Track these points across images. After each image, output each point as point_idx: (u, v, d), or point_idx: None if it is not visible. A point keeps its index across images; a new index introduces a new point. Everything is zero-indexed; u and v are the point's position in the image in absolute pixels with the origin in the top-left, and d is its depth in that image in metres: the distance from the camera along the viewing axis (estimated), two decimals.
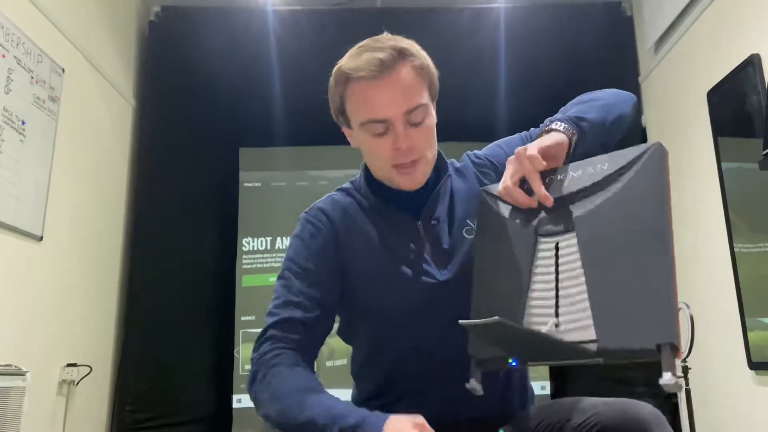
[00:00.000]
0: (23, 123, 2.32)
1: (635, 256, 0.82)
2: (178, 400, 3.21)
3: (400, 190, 1.10)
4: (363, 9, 3.54)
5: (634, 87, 3.37)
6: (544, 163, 0.94)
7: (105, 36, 3.11)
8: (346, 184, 1.19)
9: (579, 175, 0.92)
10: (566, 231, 0.90)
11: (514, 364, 0.90)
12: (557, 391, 3.58)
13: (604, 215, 0.87)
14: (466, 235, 1.10)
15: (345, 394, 3.75)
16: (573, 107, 1.10)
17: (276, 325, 1.07)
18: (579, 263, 0.87)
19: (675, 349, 0.74)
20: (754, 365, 2.36)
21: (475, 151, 1.23)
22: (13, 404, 2.02)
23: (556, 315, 0.87)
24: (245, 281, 3.57)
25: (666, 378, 0.73)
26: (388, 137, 1.03)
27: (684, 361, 2.37)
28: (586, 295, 0.84)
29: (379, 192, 1.13)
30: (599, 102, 1.12)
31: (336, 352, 3.45)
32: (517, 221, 0.97)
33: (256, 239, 3.64)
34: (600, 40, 3.45)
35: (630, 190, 0.86)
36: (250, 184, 3.73)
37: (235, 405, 3.36)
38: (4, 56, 2.21)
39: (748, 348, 2.39)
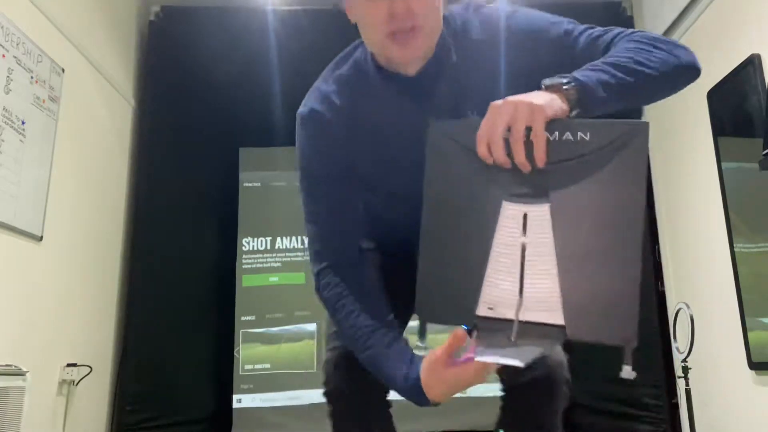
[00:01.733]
0: (23, 123, 2.32)
1: (609, 250, 0.78)
2: (178, 400, 3.21)
3: (400, 75, 1.03)
4: None
5: None
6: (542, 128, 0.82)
7: (105, 36, 3.11)
8: (357, 54, 1.11)
9: (556, 139, 0.82)
10: (537, 201, 0.82)
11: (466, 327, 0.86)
12: None
13: (582, 198, 0.81)
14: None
15: None
16: (610, 68, 0.91)
17: (323, 273, 1.08)
18: (550, 240, 0.80)
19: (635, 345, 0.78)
20: (754, 365, 2.36)
21: (515, 13, 1.07)
22: (13, 404, 2.02)
23: (521, 292, 0.81)
24: (245, 281, 3.57)
25: (626, 372, 0.78)
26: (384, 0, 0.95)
27: (684, 361, 2.37)
28: (556, 276, 0.79)
29: (379, 74, 1.06)
30: (644, 74, 0.93)
31: None
32: (481, 177, 0.85)
33: (256, 239, 3.64)
34: None
35: (612, 178, 0.80)
36: (250, 184, 3.73)
37: (235, 405, 3.35)
38: (4, 56, 2.21)
39: (748, 348, 2.39)
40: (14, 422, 2.01)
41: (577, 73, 0.89)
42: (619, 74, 0.90)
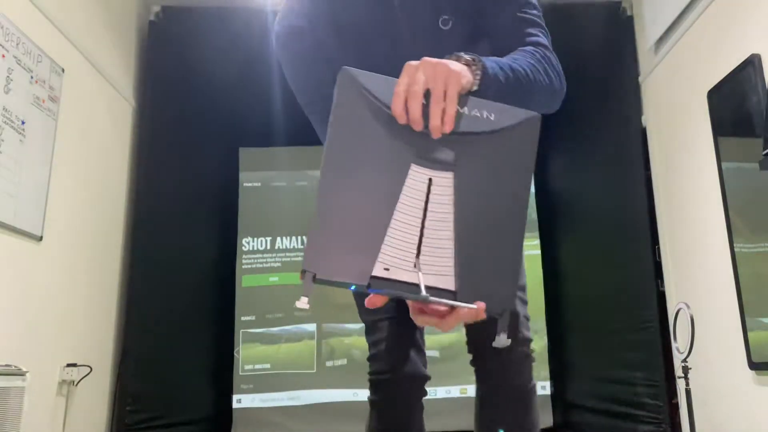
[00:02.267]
0: (23, 123, 2.32)
1: (499, 222, 0.84)
2: (178, 400, 3.21)
3: None
4: None
5: (634, 87, 3.36)
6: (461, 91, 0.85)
7: (105, 36, 3.11)
8: None
9: (466, 113, 0.85)
10: (442, 167, 0.84)
11: (352, 288, 0.84)
12: (557, 392, 3.58)
13: (483, 172, 0.85)
14: (442, 26, 1.11)
15: (345, 394, 3.74)
16: (509, 71, 1.00)
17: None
18: (450, 208, 0.83)
19: (511, 315, 0.84)
20: (754, 365, 2.36)
21: None
22: (13, 404, 2.02)
23: (418, 255, 0.82)
24: (245, 281, 3.57)
25: (501, 340, 0.83)
26: None
27: (684, 361, 2.37)
28: (451, 244, 0.83)
29: None
30: (529, 88, 1.04)
31: (336, 352, 3.45)
32: (389, 134, 0.84)
33: (256, 239, 3.64)
34: (600, 40, 3.45)
35: (509, 159, 0.86)
36: (250, 184, 3.73)
37: (234, 405, 3.36)
38: (3, 56, 2.21)
39: (749, 348, 2.39)
40: (14, 422, 2.01)
41: (485, 60, 0.95)
42: (513, 79, 1.00)
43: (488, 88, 0.93)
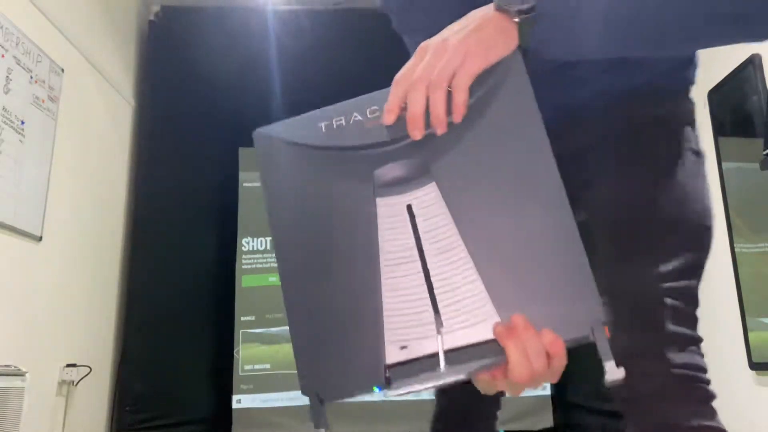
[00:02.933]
0: (22, 123, 2.31)
1: (528, 212, 0.59)
2: (178, 400, 3.21)
3: None
4: (363, 9, 3.53)
5: None
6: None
7: (105, 35, 3.10)
8: None
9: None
10: (418, 182, 0.62)
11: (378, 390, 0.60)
12: (558, 392, 3.58)
13: (473, 160, 0.62)
14: None
15: None
16: None
17: None
18: (450, 229, 0.60)
19: (604, 327, 0.58)
20: (754, 365, 2.36)
21: None
22: (13, 405, 2.02)
23: (436, 310, 0.59)
24: (245, 281, 3.57)
25: (612, 371, 0.58)
26: None
27: None
28: (473, 274, 0.59)
29: None
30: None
31: None
32: (335, 175, 0.63)
33: (255, 239, 3.64)
34: None
35: (500, 123, 0.62)
36: (250, 184, 3.72)
37: (234, 405, 3.35)
38: (3, 56, 2.21)
39: (749, 348, 2.39)
40: (14, 423, 2.00)
41: None
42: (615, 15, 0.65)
43: (558, 42, 0.65)
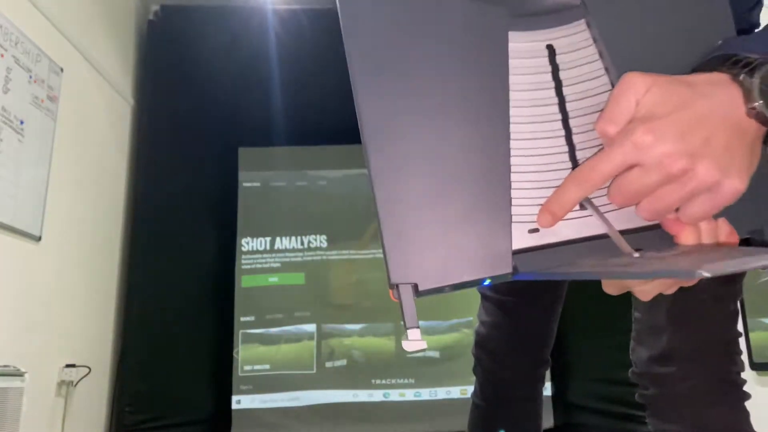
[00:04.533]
0: (21, 123, 2.31)
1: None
2: (177, 401, 3.20)
3: None
4: None
5: None
6: None
7: (104, 35, 3.10)
8: None
9: None
10: (565, 18, 0.47)
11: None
12: (558, 392, 3.58)
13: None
14: None
15: (345, 395, 3.73)
16: None
17: None
18: (601, 83, 0.46)
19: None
20: (755, 366, 2.36)
21: None
22: (12, 405, 2.01)
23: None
24: (244, 281, 3.56)
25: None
26: None
27: None
28: None
29: None
30: None
31: (336, 352, 3.44)
32: (456, 6, 0.46)
33: (255, 239, 3.63)
34: None
35: None
36: (249, 184, 3.72)
37: (234, 406, 3.35)
38: (2, 56, 2.20)
39: (750, 348, 2.38)
40: (13, 423, 2.00)
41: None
42: None
43: None
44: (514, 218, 0.46)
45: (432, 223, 0.46)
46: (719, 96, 0.45)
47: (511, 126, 0.46)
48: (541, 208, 0.46)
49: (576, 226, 0.45)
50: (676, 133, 0.43)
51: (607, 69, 0.46)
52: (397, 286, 0.45)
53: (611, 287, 0.49)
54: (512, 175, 0.46)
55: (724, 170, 0.44)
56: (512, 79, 0.46)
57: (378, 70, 0.45)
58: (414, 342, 0.45)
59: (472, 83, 0.45)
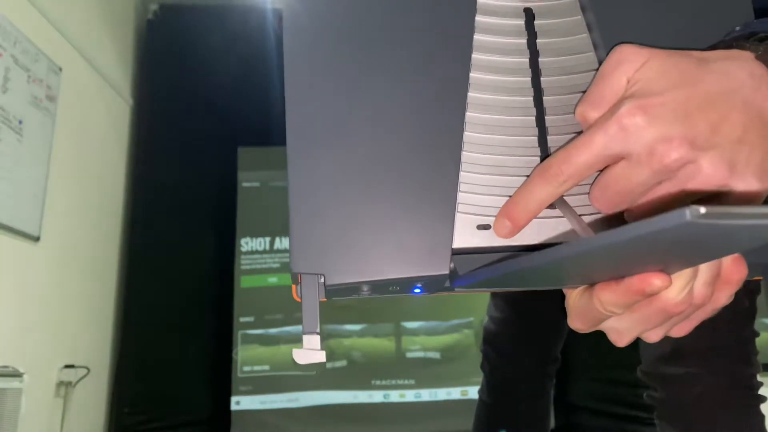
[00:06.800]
0: (20, 122, 2.30)
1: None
2: (177, 401, 3.20)
3: None
4: None
5: None
6: None
7: (103, 34, 3.09)
8: None
9: None
10: None
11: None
12: (558, 393, 3.57)
13: None
14: None
15: (345, 396, 3.72)
16: None
17: None
18: (586, 58, 0.38)
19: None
20: None
21: None
22: (10, 406, 2.00)
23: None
24: (244, 282, 3.55)
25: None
26: None
27: None
28: None
29: None
30: None
31: (335, 353, 3.43)
32: None
33: (254, 239, 3.62)
34: None
35: None
36: (248, 184, 3.71)
37: (233, 407, 3.34)
38: (1, 55, 2.19)
39: None
40: (11, 424, 1.99)
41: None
42: None
43: None
44: (459, 208, 0.37)
45: (352, 205, 0.39)
46: (737, 74, 0.34)
47: (470, 93, 0.37)
48: (499, 212, 0.36)
49: (541, 228, 0.36)
50: (676, 113, 0.33)
51: (595, 44, 0.38)
52: (300, 276, 0.38)
53: (579, 321, 0.41)
54: (463, 153, 0.37)
55: (735, 167, 0.33)
56: (478, 36, 0.37)
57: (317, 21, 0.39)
58: (309, 352, 0.36)
59: (423, 46, 0.38)
